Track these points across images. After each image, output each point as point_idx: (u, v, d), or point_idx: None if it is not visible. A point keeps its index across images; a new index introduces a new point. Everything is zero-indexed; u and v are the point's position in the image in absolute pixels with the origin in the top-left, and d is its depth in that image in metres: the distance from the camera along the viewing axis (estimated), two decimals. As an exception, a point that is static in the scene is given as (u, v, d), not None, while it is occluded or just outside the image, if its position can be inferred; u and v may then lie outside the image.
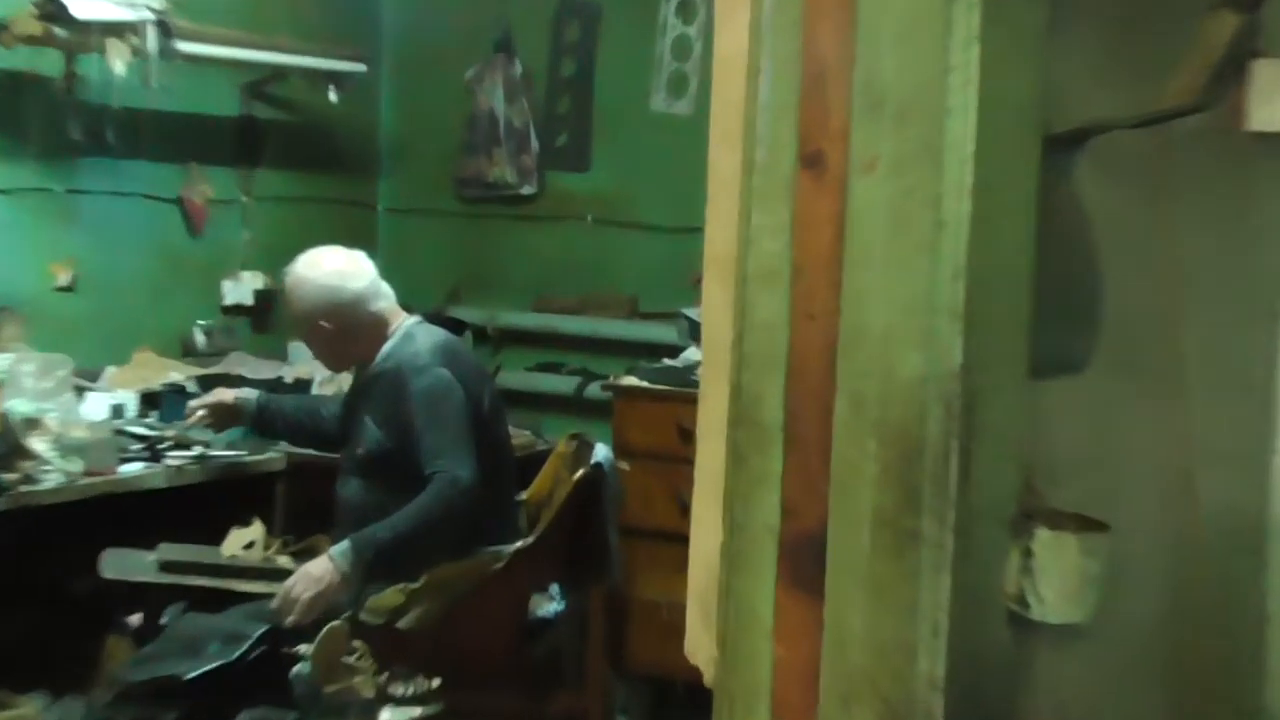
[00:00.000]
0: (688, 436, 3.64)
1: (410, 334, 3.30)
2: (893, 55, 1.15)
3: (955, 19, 1.09)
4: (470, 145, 5.22)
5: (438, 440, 3.12)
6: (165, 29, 4.10)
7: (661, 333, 4.63)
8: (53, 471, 3.48)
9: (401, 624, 3.04)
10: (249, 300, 4.89)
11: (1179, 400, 1.29)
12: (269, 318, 4.96)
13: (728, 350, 1.34)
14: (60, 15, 3.94)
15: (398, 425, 3.19)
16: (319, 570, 3.05)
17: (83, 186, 4.43)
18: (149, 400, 4.14)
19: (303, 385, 4.34)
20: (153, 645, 3.18)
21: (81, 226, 4.43)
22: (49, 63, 4.17)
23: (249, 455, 3.93)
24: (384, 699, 2.98)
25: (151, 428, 3.94)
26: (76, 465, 3.52)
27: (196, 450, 3.82)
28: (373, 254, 3.42)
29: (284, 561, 3.39)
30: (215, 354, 4.64)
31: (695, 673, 1.49)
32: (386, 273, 3.41)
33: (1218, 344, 1.28)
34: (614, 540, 3.37)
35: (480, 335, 5.05)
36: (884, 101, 1.16)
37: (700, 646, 1.47)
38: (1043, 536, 1.13)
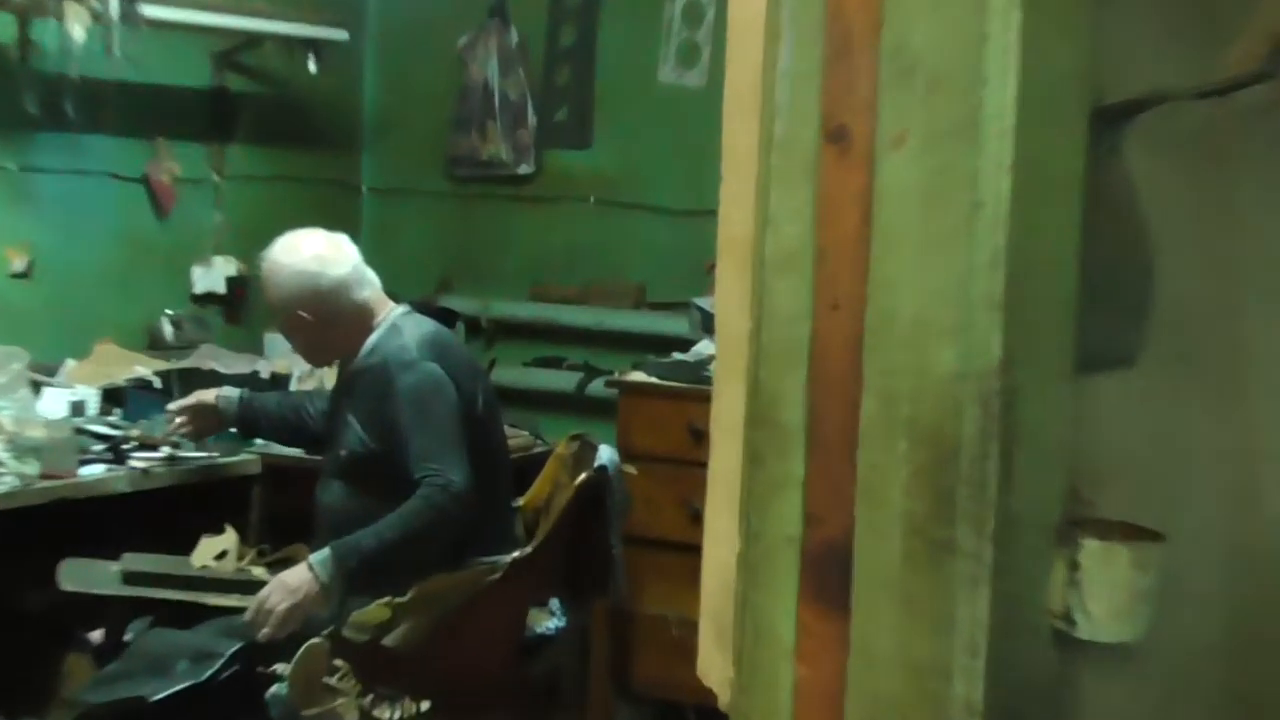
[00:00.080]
0: (700, 437, 3.66)
1: (397, 326, 3.30)
2: (925, 19, 1.15)
3: (994, -21, 1.09)
4: (462, 120, 5.22)
5: (427, 442, 3.12)
6: (129, -9, 4.10)
7: (671, 324, 4.63)
8: (6, 474, 3.49)
9: (387, 641, 3.04)
10: (221, 288, 4.90)
11: (1239, 397, 1.28)
12: (243, 307, 4.97)
13: (743, 343, 1.34)
14: (13, -24, 3.95)
15: (383, 425, 3.19)
16: (296, 580, 3.05)
17: (39, 164, 4.44)
18: (112, 397, 4.15)
19: (280, 381, 4.35)
20: (116, 664, 3.18)
21: (38, 208, 4.44)
22: (1, 28, 4.17)
23: (222, 457, 3.94)
24: (368, 723, 2.99)
25: (114, 427, 3.95)
26: (32, 467, 3.53)
27: (164, 451, 3.83)
28: (356, 238, 3.42)
29: (259, 573, 3.39)
30: (184, 347, 4.65)
31: (708, 695, 1.49)
32: (371, 258, 3.41)
33: (1282, 336, 1.28)
34: (618, 550, 3.37)
35: (473, 327, 5.07)
36: (915, 70, 1.15)
37: (713, 667, 1.47)
38: (1090, 547, 1.13)
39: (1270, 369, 1.28)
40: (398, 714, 3.01)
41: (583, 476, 3.24)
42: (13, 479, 3.48)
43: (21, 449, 3.53)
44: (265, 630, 3.03)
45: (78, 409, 4.01)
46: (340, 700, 2.97)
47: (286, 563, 3.33)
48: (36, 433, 3.61)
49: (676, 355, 4.31)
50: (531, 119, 5.10)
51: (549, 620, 3.41)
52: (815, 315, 1.26)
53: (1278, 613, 1.29)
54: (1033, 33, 1.08)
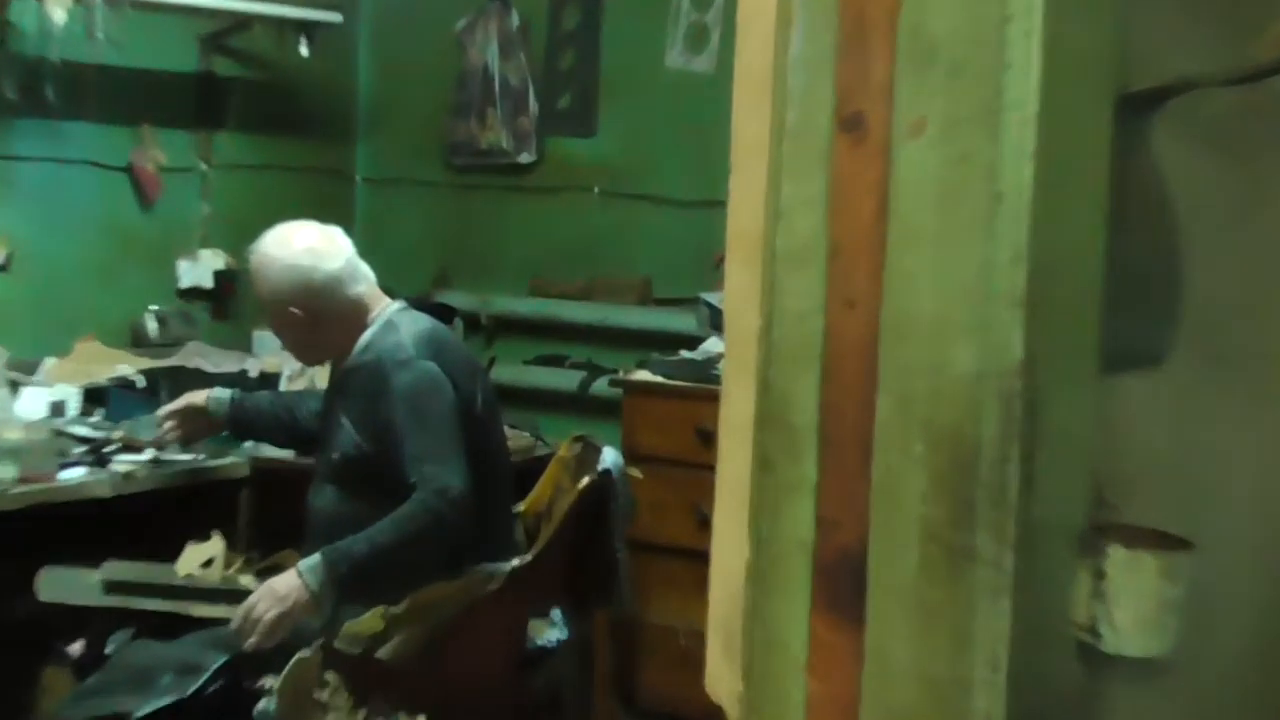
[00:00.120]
0: (708, 440, 3.66)
1: (392, 322, 3.30)
2: (945, 0, 1.15)
3: (1016, -42, 1.09)
4: (460, 106, 5.22)
5: (423, 444, 3.12)
6: (112, -28, 4.11)
7: (678, 321, 4.63)
8: (-18, 478, 3.49)
9: (381, 653, 3.05)
10: (208, 282, 4.91)
11: (1274, 398, 1.28)
12: (231, 303, 4.98)
13: (753, 341, 1.34)
14: (-9, -44, 3.96)
15: (377, 426, 3.19)
16: (285, 587, 3.05)
17: (17, 152, 4.45)
18: (93, 397, 4.15)
19: (270, 380, 4.36)
20: (96, 677, 3.19)
21: (16, 198, 4.45)
22: (-21, 11, 4.19)
23: (208, 460, 3.94)
24: (361, 739, 2.99)
25: (96, 428, 3.96)
26: (10, 471, 3.54)
27: (147, 454, 3.83)
28: (349, 230, 3.43)
29: (247, 581, 3.40)
30: (169, 344, 4.66)
31: (716, 710, 1.49)
32: (365, 252, 3.41)
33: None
34: (623, 558, 3.37)
35: (471, 324, 5.07)
36: (934, 54, 1.15)
37: (722, 680, 1.47)
38: (1117, 556, 1.13)
39: (1306, 369, 1.28)
40: (392, 729, 3.01)
41: (585, 480, 3.25)
42: (-11, 483, 3.49)
43: (-1, 451, 3.54)
44: (251, 640, 3.03)
45: (58, 409, 4.02)
46: (331, 716, 2.97)
47: (276, 571, 3.33)
48: (14, 434, 3.62)
49: (684, 353, 4.31)
50: (533, 105, 5.11)
51: (550, 631, 3.41)
52: (828, 312, 1.26)
53: (1314, 624, 1.29)
54: (1057, 15, 1.08)
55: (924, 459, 1.15)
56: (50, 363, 4.30)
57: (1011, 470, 1.09)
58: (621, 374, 4.38)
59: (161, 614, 3.29)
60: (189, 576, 3.42)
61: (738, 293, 1.44)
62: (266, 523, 3.92)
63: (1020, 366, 1.09)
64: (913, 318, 1.17)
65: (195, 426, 3.56)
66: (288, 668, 2.92)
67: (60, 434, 3.83)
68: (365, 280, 3.33)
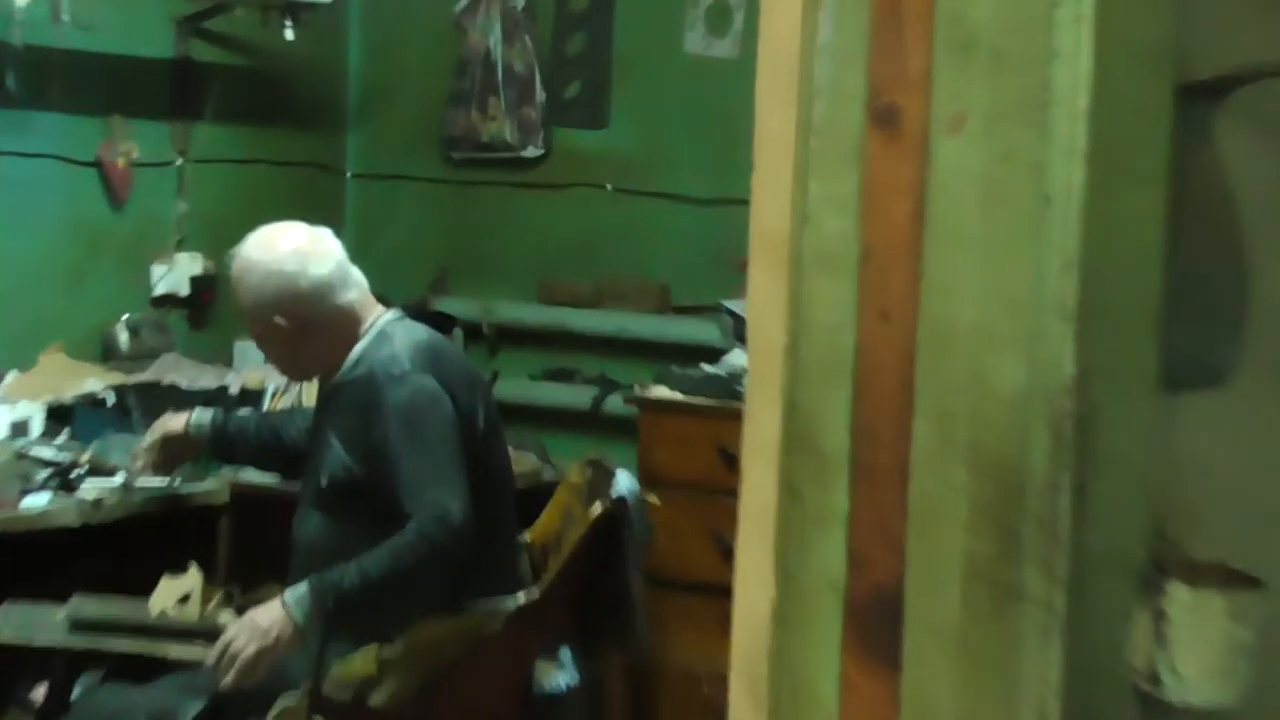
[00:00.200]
0: (731, 462, 3.66)
1: (386, 333, 3.31)
2: (987, -17, 1.15)
3: (1066, -63, 1.09)
4: (460, 95, 5.24)
5: (419, 466, 3.13)
6: (79, -49, 4.14)
7: (698, 331, 4.64)
8: (-62, 505, 3.50)
9: (373, 700, 3.05)
10: (184, 289, 4.93)
11: (1352, 420, 1.28)
12: (209, 311, 4.99)
13: (779, 355, 1.34)
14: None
15: (369, 447, 3.19)
16: (268, 619, 3.05)
17: (-23, 147, 4.47)
18: (59, 415, 4.17)
19: (252, 397, 4.37)
20: (62, 723, 3.20)
21: (-25, 197, 4.46)
22: (-66, -6, 4.21)
23: (185, 485, 3.95)
24: (351, 792, 2.99)
25: (62, 450, 3.97)
26: (-33, 497, 3.55)
27: (118, 478, 3.84)
28: (339, 231, 3.44)
29: (227, 618, 3.40)
30: (142, 356, 4.68)
31: (739, 763, 1.49)
32: (357, 255, 3.42)
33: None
34: (638, 593, 3.37)
35: (473, 334, 5.08)
36: (975, 42, 1.15)
37: (745, 729, 1.47)
38: (1179, 595, 1.12)
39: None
40: (385, 781, 3.01)
41: (598, 507, 3.24)
42: (-55, 510, 3.50)
43: (-45, 475, 3.55)
44: (229, 678, 3.02)
45: (20, 429, 4.03)
46: (319, 765, 2.98)
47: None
48: (-28, 456, 3.64)
49: (705, 367, 4.32)
50: (539, 94, 5.12)
51: (559, 674, 3.41)
52: (860, 324, 1.26)
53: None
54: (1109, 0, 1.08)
55: (966, 487, 1.15)
56: (12, 377, 4.32)
57: (1062, 499, 1.09)
58: (637, 390, 4.38)
59: (133, 655, 3.29)
60: (163, 614, 3.42)
61: (762, 301, 1.44)
62: (248, 553, 3.93)
63: (1072, 384, 1.09)
64: (953, 330, 1.17)
65: (174, 453, 3.58)
66: (272, 715, 2.92)
67: (23, 456, 3.85)
68: (357, 287, 3.33)
